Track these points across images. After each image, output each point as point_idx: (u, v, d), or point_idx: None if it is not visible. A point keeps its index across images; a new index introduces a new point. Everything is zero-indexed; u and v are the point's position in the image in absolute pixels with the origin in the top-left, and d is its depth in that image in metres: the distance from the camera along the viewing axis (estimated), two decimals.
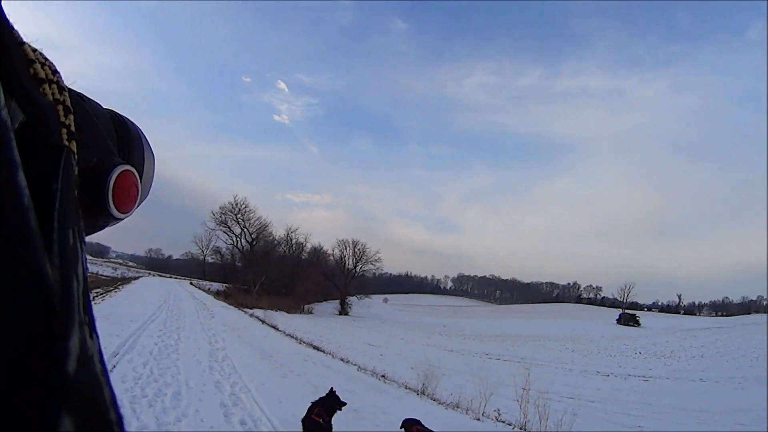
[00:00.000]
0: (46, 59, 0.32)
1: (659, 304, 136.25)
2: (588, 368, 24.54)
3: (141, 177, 0.47)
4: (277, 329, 18.97)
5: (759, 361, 27.65)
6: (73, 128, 0.33)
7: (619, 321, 62.50)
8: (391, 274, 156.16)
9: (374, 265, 59.92)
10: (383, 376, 11.03)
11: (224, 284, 53.82)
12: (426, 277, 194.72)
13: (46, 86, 0.31)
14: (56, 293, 0.21)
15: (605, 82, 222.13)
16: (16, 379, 0.18)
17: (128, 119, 0.52)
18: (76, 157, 0.32)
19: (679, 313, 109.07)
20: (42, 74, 0.31)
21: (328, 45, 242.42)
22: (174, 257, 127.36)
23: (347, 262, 58.51)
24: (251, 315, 24.36)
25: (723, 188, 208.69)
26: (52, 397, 0.19)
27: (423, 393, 9.21)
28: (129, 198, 0.42)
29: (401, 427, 4.30)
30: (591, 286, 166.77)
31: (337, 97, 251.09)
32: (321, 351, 13.92)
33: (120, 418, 0.23)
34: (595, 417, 11.37)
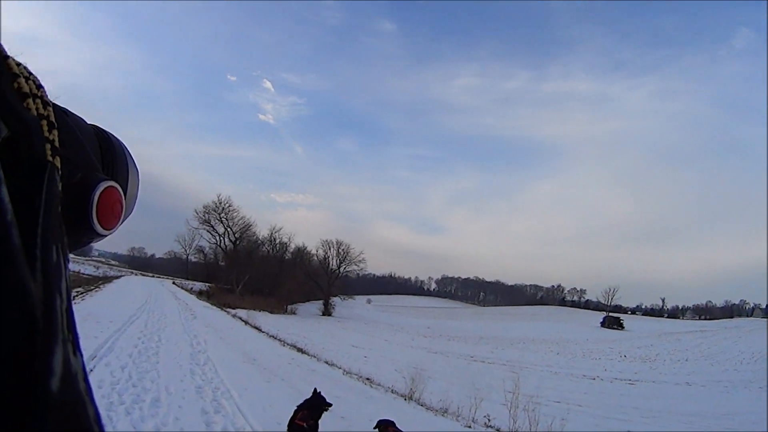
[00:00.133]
0: (31, 74, 0.32)
1: (643, 307, 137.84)
2: (574, 371, 24.75)
3: (125, 193, 0.46)
4: (261, 330, 18.70)
5: (744, 365, 28.33)
6: (57, 144, 0.32)
7: (603, 324, 63.23)
8: (374, 275, 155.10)
9: (358, 266, 59.92)
10: (369, 379, 10.86)
11: (207, 284, 53.00)
12: (410, 278, 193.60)
13: (30, 101, 0.31)
14: (39, 310, 0.21)
15: (592, 86, 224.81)
16: None
17: (112, 134, 0.51)
18: (60, 172, 0.32)
19: (662, 316, 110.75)
20: (26, 89, 0.30)
21: (315, 45, 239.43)
22: (157, 256, 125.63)
23: (331, 263, 58.43)
24: (234, 315, 24.02)
25: (707, 194, 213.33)
26: (36, 415, 0.18)
27: (411, 398, 9.07)
28: (113, 214, 0.41)
29: (375, 427, 4.34)
30: (575, 288, 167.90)
31: (323, 97, 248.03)
32: (305, 353, 13.71)
33: None
34: (585, 422, 11.37)
